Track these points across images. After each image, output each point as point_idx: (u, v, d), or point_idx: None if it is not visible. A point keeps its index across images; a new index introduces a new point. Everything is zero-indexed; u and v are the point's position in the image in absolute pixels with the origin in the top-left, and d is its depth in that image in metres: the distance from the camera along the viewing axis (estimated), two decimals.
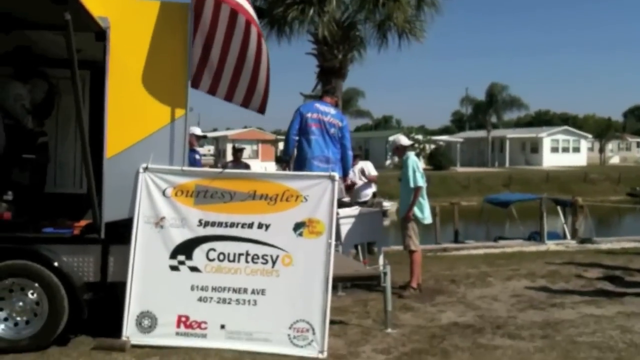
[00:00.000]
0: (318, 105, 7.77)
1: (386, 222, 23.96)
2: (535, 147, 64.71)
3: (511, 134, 66.89)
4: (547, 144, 64.18)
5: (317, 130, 7.54)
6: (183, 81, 5.80)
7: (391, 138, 9.33)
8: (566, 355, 5.40)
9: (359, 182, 10.31)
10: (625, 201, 35.68)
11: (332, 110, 7.76)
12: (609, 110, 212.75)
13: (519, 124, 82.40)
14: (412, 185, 7.97)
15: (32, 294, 5.43)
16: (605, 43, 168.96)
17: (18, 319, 5.43)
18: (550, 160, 62.04)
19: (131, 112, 5.72)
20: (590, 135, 68.18)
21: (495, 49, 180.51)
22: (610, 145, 74.78)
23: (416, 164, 8.11)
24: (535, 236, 16.37)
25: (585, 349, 5.56)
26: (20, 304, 5.44)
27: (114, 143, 5.61)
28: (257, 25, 6.06)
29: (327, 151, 7.56)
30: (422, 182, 8.01)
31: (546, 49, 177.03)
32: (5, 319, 5.42)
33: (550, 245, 13.90)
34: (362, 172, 10.57)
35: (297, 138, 7.65)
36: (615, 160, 72.25)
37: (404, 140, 8.62)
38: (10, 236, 5.56)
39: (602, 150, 70.45)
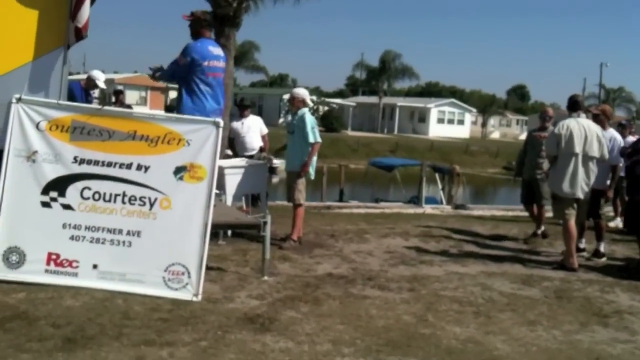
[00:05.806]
0: (211, 48, 6.67)
1: (275, 180, 24.09)
2: (423, 116, 66.89)
3: (401, 102, 68.71)
4: (434, 114, 66.56)
5: (213, 80, 6.64)
6: (62, 11, 5.49)
7: (296, 90, 9.22)
8: (429, 307, 5.70)
9: (246, 135, 10.22)
10: (501, 174, 37.69)
11: (221, 52, 6.82)
12: (494, 86, 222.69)
13: (409, 93, 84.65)
14: (311, 140, 7.94)
15: None
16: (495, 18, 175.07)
17: None
18: (436, 130, 64.45)
19: (5, 39, 5.39)
20: (474, 110, 71.34)
21: (393, 12, 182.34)
22: (492, 121, 78.51)
23: (313, 121, 8.14)
24: (415, 200, 16.98)
25: (447, 302, 5.90)
26: None
27: None
28: None
29: (222, 102, 6.85)
30: (319, 138, 8.10)
31: (441, 13, 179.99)
32: None
33: (427, 208, 14.40)
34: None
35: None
36: (495, 135, 75.95)
37: (308, 99, 8.46)
38: None
39: (484, 124, 73.82)
